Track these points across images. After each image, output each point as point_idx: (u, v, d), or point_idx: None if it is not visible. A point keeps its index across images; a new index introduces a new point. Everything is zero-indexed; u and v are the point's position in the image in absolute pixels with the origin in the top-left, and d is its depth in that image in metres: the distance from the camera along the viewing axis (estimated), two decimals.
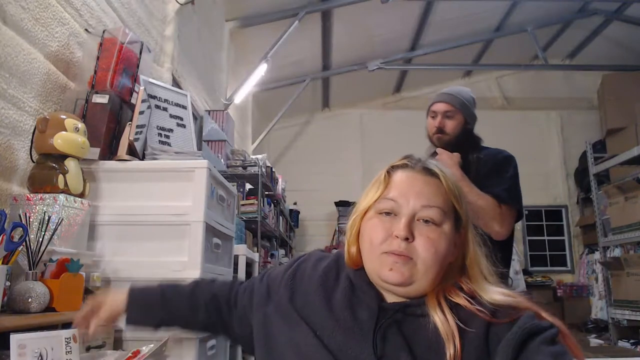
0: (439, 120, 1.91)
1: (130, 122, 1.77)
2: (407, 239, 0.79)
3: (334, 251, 1.00)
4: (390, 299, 0.83)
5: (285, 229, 5.60)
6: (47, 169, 1.47)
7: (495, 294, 0.78)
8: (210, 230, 1.74)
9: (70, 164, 1.50)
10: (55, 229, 1.36)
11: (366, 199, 0.88)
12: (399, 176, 0.87)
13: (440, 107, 1.93)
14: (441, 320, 0.75)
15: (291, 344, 0.84)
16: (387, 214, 0.83)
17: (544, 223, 7.28)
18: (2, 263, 1.16)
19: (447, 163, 1.76)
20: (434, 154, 1.89)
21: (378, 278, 0.82)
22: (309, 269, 0.94)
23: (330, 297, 0.87)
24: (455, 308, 0.77)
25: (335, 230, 6.59)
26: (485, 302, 0.76)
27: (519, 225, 7.11)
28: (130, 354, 1.21)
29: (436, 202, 0.82)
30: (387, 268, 0.80)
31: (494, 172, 1.83)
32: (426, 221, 0.81)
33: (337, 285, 0.89)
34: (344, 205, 6.27)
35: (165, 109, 1.97)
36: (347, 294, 0.86)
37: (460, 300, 0.78)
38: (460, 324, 0.74)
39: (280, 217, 5.17)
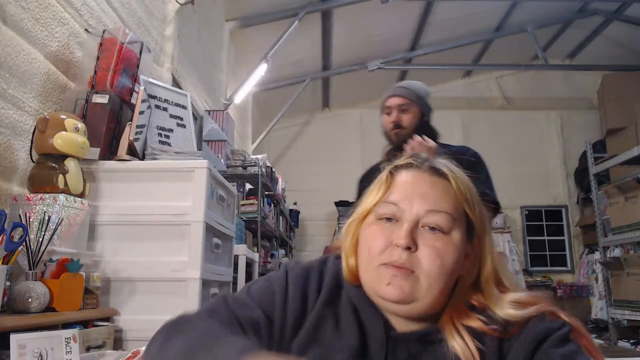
0: (395, 115, 1.87)
1: (130, 122, 1.77)
2: (409, 248, 0.70)
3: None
4: (399, 325, 0.73)
5: (285, 229, 5.60)
6: (47, 169, 1.47)
7: (509, 308, 0.70)
8: (210, 230, 1.74)
9: (70, 164, 1.50)
10: (55, 229, 1.36)
11: (366, 202, 0.78)
12: (403, 177, 0.77)
13: (394, 101, 1.88)
14: (462, 347, 0.68)
15: None
16: (388, 219, 0.73)
17: (544, 223, 7.28)
18: (2, 263, 1.16)
19: (424, 151, 1.71)
20: (392, 151, 1.82)
21: (375, 295, 0.72)
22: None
23: (339, 319, 0.76)
24: (468, 329, 0.70)
25: (335, 230, 6.60)
26: (498, 319, 0.69)
27: (518, 225, 7.14)
28: (130, 354, 1.21)
29: (444, 207, 0.72)
30: (384, 282, 0.70)
31: (472, 171, 1.78)
32: (432, 228, 0.71)
33: (338, 304, 0.78)
34: (344, 205, 6.27)
35: (165, 109, 1.97)
36: (352, 317, 0.75)
37: (475, 322, 0.70)
38: (479, 346, 0.68)
39: (280, 217, 5.17)
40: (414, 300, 0.69)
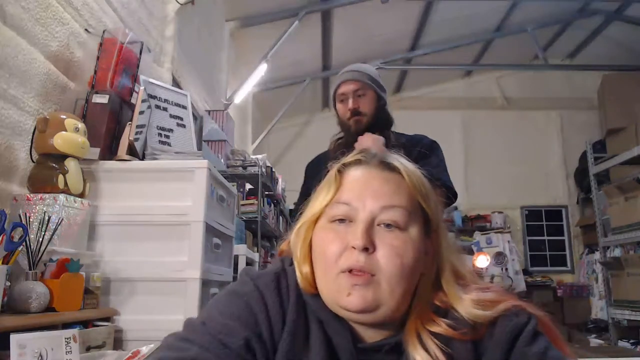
0: (352, 101, 1.71)
1: (130, 122, 1.77)
2: (366, 249, 0.65)
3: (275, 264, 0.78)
4: (366, 334, 0.70)
5: (285, 229, 5.60)
6: (47, 169, 1.47)
7: (474, 308, 0.67)
8: (210, 230, 1.74)
9: (70, 164, 1.50)
10: (55, 229, 1.36)
11: (315, 203, 0.73)
12: (353, 174, 0.73)
13: (348, 87, 1.72)
14: (425, 358, 0.65)
15: None
16: (342, 221, 0.69)
17: (544, 223, 7.28)
18: (2, 263, 1.16)
19: (372, 148, 1.59)
20: (349, 142, 1.66)
21: (337, 305, 0.67)
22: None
23: (308, 331, 0.71)
24: (434, 336, 0.67)
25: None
26: (465, 319, 0.67)
27: (518, 226, 7.15)
28: (130, 354, 1.21)
29: (398, 202, 0.69)
30: (345, 293, 0.66)
31: (428, 157, 1.69)
32: (388, 225, 0.68)
33: (306, 318, 0.72)
34: None
35: (165, 109, 1.97)
36: (319, 331, 0.70)
37: (440, 328, 0.66)
38: (449, 351, 0.65)
39: (280, 217, 5.17)
40: (378, 307, 0.66)
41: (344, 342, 0.69)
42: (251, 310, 0.69)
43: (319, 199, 0.73)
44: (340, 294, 0.66)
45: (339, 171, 0.74)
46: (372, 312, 0.66)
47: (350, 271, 0.66)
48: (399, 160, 0.74)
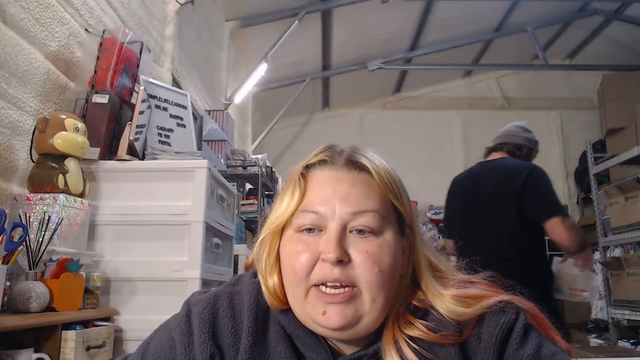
0: None
1: (130, 122, 1.77)
2: (340, 261, 0.60)
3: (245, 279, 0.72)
4: (344, 347, 0.65)
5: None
6: (47, 168, 1.47)
7: (452, 302, 0.63)
8: (210, 230, 1.74)
9: (70, 163, 1.50)
10: (55, 229, 1.36)
11: (279, 210, 0.66)
12: (317, 177, 0.66)
13: None
14: None
15: None
16: (310, 230, 0.64)
17: None
18: (2, 263, 1.16)
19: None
20: None
21: (312, 323, 0.62)
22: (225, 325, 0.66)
23: (268, 355, 0.65)
24: (414, 341, 0.62)
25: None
26: (446, 319, 0.63)
27: None
28: None
29: (370, 205, 0.63)
30: (319, 310, 0.61)
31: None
32: (360, 231, 0.62)
33: (266, 339, 0.66)
34: None
35: (165, 109, 1.97)
36: (287, 351, 0.65)
37: (417, 331, 0.62)
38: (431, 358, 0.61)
39: None
40: (360, 320, 0.61)
41: (320, 358, 0.64)
42: (172, 349, 0.65)
43: (283, 206, 0.66)
44: (315, 311, 0.61)
45: (302, 174, 0.67)
46: (353, 327, 0.61)
47: (324, 284, 0.61)
48: (366, 157, 0.67)
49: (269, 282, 0.66)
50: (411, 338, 0.62)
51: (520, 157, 2.34)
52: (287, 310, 0.65)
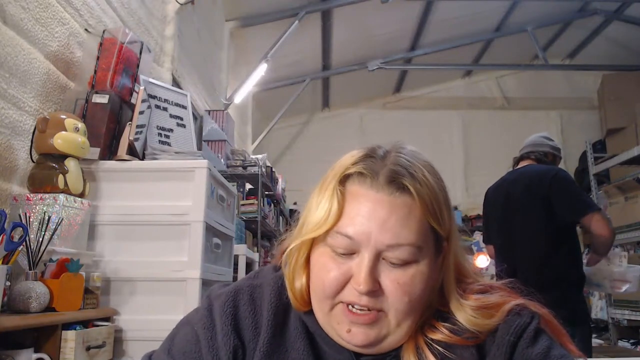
0: None
1: (130, 122, 1.77)
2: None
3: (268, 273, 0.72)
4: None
5: (285, 229, 5.59)
6: (47, 168, 1.47)
7: (470, 312, 0.64)
8: (210, 230, 1.74)
9: (70, 163, 1.50)
10: (55, 229, 1.36)
11: (314, 220, 0.63)
12: (355, 193, 0.62)
13: None
14: None
15: None
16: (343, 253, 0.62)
17: None
18: (2, 263, 1.16)
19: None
20: None
21: (337, 336, 0.63)
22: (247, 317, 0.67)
23: (287, 350, 0.65)
24: (438, 344, 0.63)
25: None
26: (465, 326, 0.64)
27: None
28: None
29: (406, 237, 0.60)
30: (344, 327, 0.61)
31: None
32: (394, 263, 0.61)
33: (286, 334, 0.66)
34: None
35: (165, 109, 1.97)
36: (306, 348, 0.65)
37: (442, 335, 0.63)
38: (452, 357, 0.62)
39: (280, 217, 5.16)
40: (384, 340, 0.61)
41: (342, 358, 0.65)
42: (197, 343, 0.65)
43: (318, 215, 0.63)
44: (340, 327, 0.62)
45: (340, 184, 0.64)
46: (376, 345, 0.62)
47: (352, 304, 0.61)
48: (409, 173, 0.62)
49: (295, 284, 0.66)
50: (433, 340, 0.63)
51: (547, 163, 2.61)
52: (311, 312, 0.65)
